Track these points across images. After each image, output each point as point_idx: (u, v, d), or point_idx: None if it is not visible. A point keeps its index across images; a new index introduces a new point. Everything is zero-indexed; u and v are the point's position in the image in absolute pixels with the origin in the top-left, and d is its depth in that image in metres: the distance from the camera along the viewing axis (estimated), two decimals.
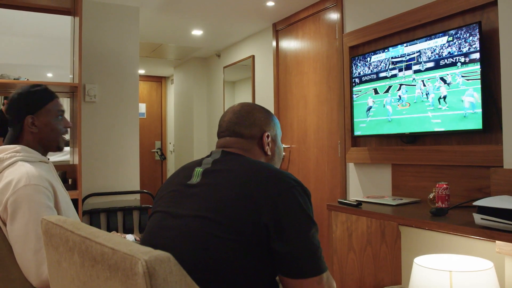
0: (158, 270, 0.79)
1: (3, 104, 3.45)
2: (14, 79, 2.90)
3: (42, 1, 3.18)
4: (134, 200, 3.65)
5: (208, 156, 1.27)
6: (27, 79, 2.95)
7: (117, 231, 3.52)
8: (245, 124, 1.30)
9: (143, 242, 1.18)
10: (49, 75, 3.82)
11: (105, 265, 0.89)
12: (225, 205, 1.07)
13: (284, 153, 1.48)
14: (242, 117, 1.31)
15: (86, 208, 3.43)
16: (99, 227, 3.43)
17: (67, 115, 3.77)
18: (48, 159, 1.72)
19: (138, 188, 3.70)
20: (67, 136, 1.79)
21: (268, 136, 1.32)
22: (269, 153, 1.33)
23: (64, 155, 3.65)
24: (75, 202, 2.83)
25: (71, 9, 3.30)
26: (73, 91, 3.12)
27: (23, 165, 1.54)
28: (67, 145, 1.80)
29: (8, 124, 1.68)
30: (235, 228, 1.04)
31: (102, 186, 3.55)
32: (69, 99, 3.49)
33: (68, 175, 3.13)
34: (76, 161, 2.98)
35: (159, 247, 0.88)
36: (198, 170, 1.20)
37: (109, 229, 3.49)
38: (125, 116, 3.68)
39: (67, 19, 3.41)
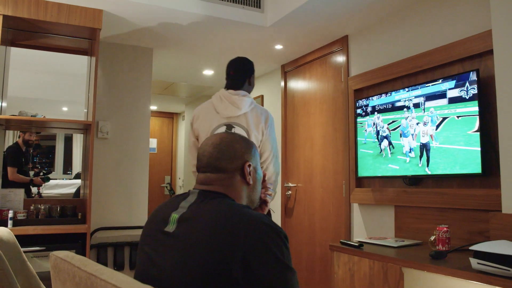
0: None
1: (19, 137, 3.60)
2: (31, 115, 3.03)
3: (61, 42, 3.35)
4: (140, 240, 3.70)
5: (184, 198, 1.26)
6: (44, 116, 3.08)
7: (124, 267, 3.56)
8: (227, 158, 1.28)
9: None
10: (65, 109, 3.97)
11: None
12: (199, 261, 1.06)
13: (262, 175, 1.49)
14: (222, 151, 1.29)
15: (94, 242, 3.49)
16: (106, 261, 3.49)
17: (78, 151, 3.91)
18: None
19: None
20: None
21: (249, 166, 1.31)
22: (250, 182, 1.32)
23: (73, 188, 3.76)
24: (83, 236, 2.90)
25: (88, 50, 3.47)
26: (86, 128, 3.24)
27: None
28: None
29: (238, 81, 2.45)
30: (210, 285, 1.04)
31: (110, 220, 3.61)
32: (82, 135, 3.61)
33: (78, 209, 3.21)
34: (86, 195, 3.07)
35: None
36: (174, 216, 1.19)
37: (115, 264, 3.53)
38: (136, 152, 3.78)
39: (84, 58, 3.58)
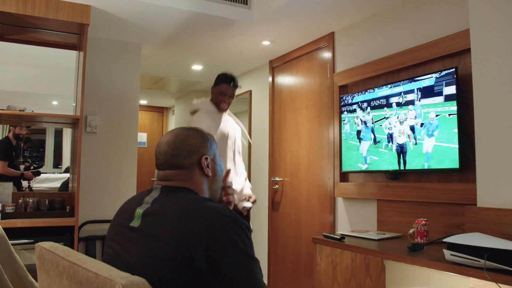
0: None
1: (9, 131, 3.62)
2: (19, 110, 3.06)
3: (50, 37, 3.37)
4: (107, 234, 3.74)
5: (148, 193, 1.29)
6: (32, 111, 3.11)
7: None
8: (183, 155, 1.31)
9: None
10: (55, 103, 3.99)
11: None
12: (163, 254, 1.10)
13: (223, 166, 1.52)
14: (177, 148, 1.31)
15: (82, 235, 3.53)
16: (94, 254, 3.53)
17: (68, 145, 3.94)
18: None
19: None
20: None
21: (206, 159, 1.34)
22: (209, 174, 1.35)
23: (59, 182, 3.80)
24: (71, 229, 2.94)
25: (77, 45, 3.49)
26: (75, 122, 3.27)
27: None
28: None
29: None
30: (173, 278, 1.07)
31: (99, 213, 3.65)
32: (71, 129, 3.64)
33: (66, 203, 3.25)
34: (75, 189, 3.11)
35: None
36: (139, 211, 1.23)
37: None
38: (124, 146, 3.82)
39: (73, 53, 3.60)
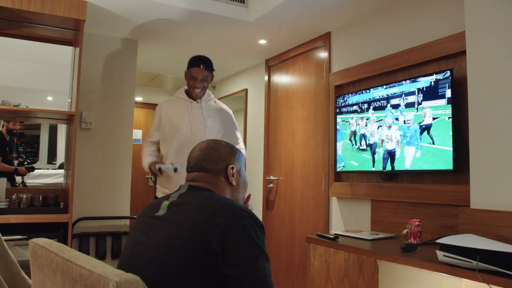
0: None
1: (2, 126, 3.60)
2: (14, 105, 3.04)
3: (46, 32, 3.35)
4: (123, 225, 3.75)
5: (177, 190, 1.41)
6: (27, 106, 3.09)
7: (106, 256, 3.60)
8: (211, 160, 1.45)
9: (120, 264, 1.31)
10: (50, 98, 3.98)
11: (83, 285, 1.00)
12: (182, 236, 1.19)
13: (248, 180, 1.65)
14: (208, 154, 1.46)
15: (76, 231, 3.52)
16: (88, 250, 3.52)
17: (63, 141, 3.92)
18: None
19: (128, 213, 3.80)
20: None
21: (232, 168, 1.46)
22: (234, 183, 1.47)
23: (58, 178, 3.77)
24: (65, 225, 2.94)
25: (73, 40, 3.47)
26: (70, 118, 3.26)
27: None
28: None
29: None
30: (189, 255, 1.16)
31: (93, 210, 3.64)
32: (65, 125, 3.63)
33: (60, 199, 3.24)
34: (69, 185, 3.10)
35: (132, 271, 1.01)
36: (165, 203, 1.34)
37: (97, 254, 3.57)
38: (119, 143, 3.81)
39: (69, 48, 3.58)
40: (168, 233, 1.23)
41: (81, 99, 3.50)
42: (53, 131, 4.15)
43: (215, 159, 1.45)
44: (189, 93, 2.85)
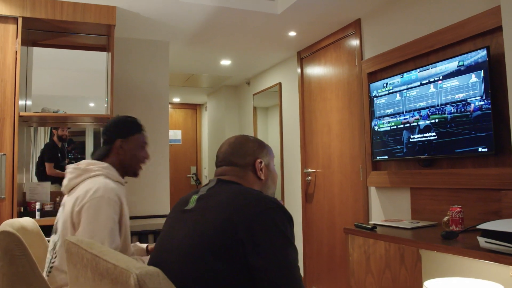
0: (148, 283, 0.92)
1: (53, 135, 3.73)
2: (53, 112, 3.16)
3: (80, 40, 3.46)
4: (163, 223, 3.82)
5: (206, 184, 1.43)
6: (65, 112, 3.21)
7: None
8: (239, 154, 1.45)
9: (151, 258, 1.35)
10: (91, 105, 4.11)
11: (109, 279, 1.02)
12: (209, 226, 1.21)
13: (277, 176, 1.62)
14: (236, 148, 1.47)
15: None
16: None
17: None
18: (126, 182, 1.97)
19: (168, 212, 3.87)
20: (144, 166, 2.05)
21: (261, 162, 1.46)
22: (262, 177, 1.46)
23: None
24: None
25: (106, 46, 3.57)
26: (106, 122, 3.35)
27: (103, 179, 1.78)
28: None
29: (102, 143, 1.95)
30: (217, 245, 1.17)
31: (135, 210, 3.74)
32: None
33: None
34: None
35: (162, 264, 1.07)
36: (194, 197, 1.36)
37: None
38: (156, 144, 3.88)
39: (103, 54, 3.68)
40: (196, 225, 1.25)
41: (117, 102, 3.59)
42: (97, 137, 4.28)
43: (242, 153, 1.46)
44: (129, 170, 2.00)
